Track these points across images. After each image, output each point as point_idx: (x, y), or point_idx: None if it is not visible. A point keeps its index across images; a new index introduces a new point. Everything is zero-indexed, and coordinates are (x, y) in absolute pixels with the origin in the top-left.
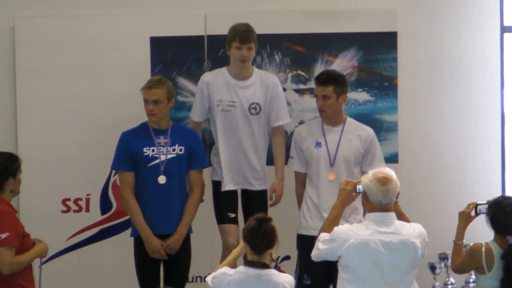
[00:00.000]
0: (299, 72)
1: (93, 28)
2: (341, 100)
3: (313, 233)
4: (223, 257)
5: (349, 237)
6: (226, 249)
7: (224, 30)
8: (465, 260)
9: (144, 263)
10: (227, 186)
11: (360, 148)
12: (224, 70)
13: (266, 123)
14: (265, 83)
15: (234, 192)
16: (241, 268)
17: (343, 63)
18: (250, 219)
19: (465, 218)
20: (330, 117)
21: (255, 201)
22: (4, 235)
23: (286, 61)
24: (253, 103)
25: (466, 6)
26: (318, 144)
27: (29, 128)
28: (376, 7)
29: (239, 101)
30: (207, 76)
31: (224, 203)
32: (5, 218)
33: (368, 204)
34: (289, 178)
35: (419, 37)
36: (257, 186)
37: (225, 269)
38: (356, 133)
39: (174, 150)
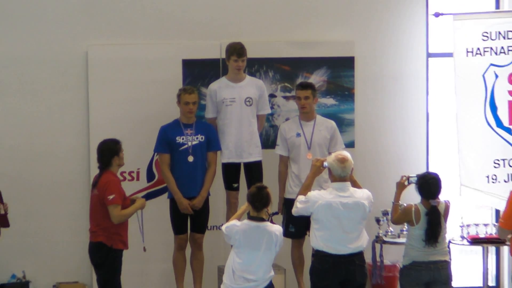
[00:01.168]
0: (286, 84)
1: (143, 52)
2: (315, 101)
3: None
4: (228, 209)
5: (318, 199)
6: (228, 204)
7: None
8: (400, 216)
9: (177, 216)
10: (231, 159)
11: (327, 135)
12: (223, 78)
13: (256, 113)
14: (255, 84)
15: (237, 167)
16: (246, 221)
17: (317, 78)
18: (252, 187)
19: (400, 187)
20: (308, 113)
21: (254, 169)
22: (111, 196)
23: (277, 76)
24: (247, 97)
25: (402, 38)
26: (298, 135)
27: (97, 125)
28: (340, 39)
29: (237, 97)
30: (213, 86)
31: (230, 176)
32: (112, 184)
33: (331, 176)
34: (277, 161)
35: (369, 60)
36: (252, 158)
37: (234, 222)
38: (324, 125)
39: (197, 138)
